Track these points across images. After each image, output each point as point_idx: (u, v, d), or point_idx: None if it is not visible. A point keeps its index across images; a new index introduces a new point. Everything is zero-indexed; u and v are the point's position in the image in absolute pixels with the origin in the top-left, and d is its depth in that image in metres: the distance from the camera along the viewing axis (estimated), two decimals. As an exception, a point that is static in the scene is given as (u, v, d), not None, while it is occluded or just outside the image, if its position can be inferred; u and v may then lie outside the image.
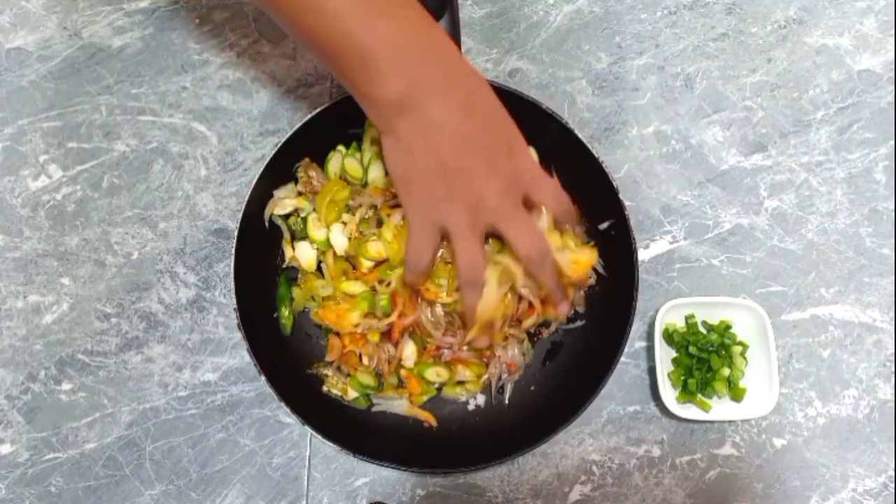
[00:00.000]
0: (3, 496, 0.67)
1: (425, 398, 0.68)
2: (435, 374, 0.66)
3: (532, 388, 0.69)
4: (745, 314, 0.70)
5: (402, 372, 0.67)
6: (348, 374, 0.67)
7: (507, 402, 0.69)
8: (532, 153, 0.60)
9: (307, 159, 0.68)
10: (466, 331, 0.61)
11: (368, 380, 0.66)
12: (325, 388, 0.67)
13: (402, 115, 0.51)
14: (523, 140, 0.55)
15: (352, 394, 0.67)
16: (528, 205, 0.56)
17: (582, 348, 0.69)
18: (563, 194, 0.58)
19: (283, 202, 0.67)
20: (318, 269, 0.68)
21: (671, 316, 0.70)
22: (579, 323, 0.69)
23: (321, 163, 0.68)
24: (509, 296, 0.60)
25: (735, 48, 0.78)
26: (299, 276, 0.68)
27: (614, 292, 0.67)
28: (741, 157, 0.75)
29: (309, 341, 0.69)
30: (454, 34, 0.66)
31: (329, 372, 0.67)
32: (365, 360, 0.66)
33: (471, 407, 0.69)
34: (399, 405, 0.68)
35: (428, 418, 0.68)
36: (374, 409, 0.68)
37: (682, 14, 0.78)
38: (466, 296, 0.57)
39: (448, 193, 0.52)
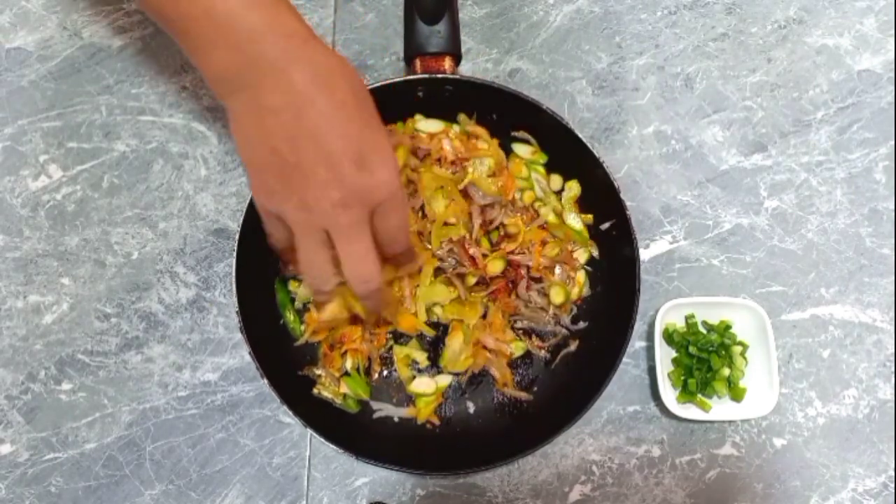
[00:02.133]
0: (3, 496, 0.67)
1: (431, 409, 0.68)
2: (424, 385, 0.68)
3: (534, 389, 0.69)
4: (745, 314, 0.70)
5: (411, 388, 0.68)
6: (343, 375, 0.67)
7: (507, 406, 0.69)
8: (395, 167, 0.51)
9: None
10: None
11: (358, 387, 0.67)
12: (315, 391, 0.67)
13: (234, 94, 0.47)
14: (385, 150, 0.49)
15: (342, 391, 0.67)
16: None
17: (584, 349, 0.69)
18: (404, 233, 0.52)
19: None
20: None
21: (671, 316, 0.70)
22: (582, 325, 0.69)
23: None
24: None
25: (735, 48, 0.78)
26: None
27: (616, 293, 0.67)
28: (741, 157, 0.75)
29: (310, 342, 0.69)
30: (454, 34, 0.66)
31: (321, 373, 0.67)
32: (349, 364, 0.67)
33: (472, 409, 0.69)
34: (402, 411, 0.68)
35: (431, 419, 0.68)
36: (376, 415, 0.68)
37: (682, 14, 0.78)
38: (315, 296, 0.58)
39: (282, 189, 0.48)
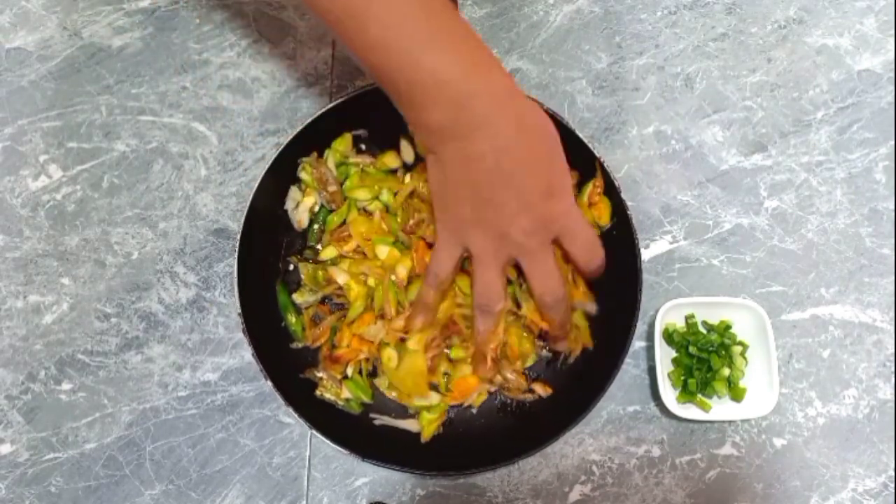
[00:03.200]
0: (3, 496, 0.67)
1: (436, 426, 0.67)
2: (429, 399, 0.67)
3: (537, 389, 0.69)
4: (745, 314, 0.70)
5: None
6: (343, 378, 0.67)
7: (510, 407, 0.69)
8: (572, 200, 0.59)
9: (310, 158, 0.68)
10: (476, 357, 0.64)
11: (359, 390, 0.66)
12: (318, 393, 0.67)
13: (444, 143, 0.53)
14: (567, 184, 0.56)
15: (345, 395, 0.67)
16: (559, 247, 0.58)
17: (584, 349, 0.69)
18: (596, 248, 0.59)
19: (300, 207, 0.69)
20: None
21: (671, 316, 0.70)
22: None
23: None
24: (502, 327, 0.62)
25: (735, 48, 0.78)
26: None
27: (617, 292, 0.66)
28: (741, 157, 0.75)
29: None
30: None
31: (323, 376, 0.67)
32: (350, 370, 0.67)
33: (474, 409, 0.69)
34: (402, 423, 0.68)
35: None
36: (377, 422, 0.68)
37: (682, 14, 0.78)
38: (477, 320, 0.60)
39: (476, 220, 0.55)
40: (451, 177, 0.54)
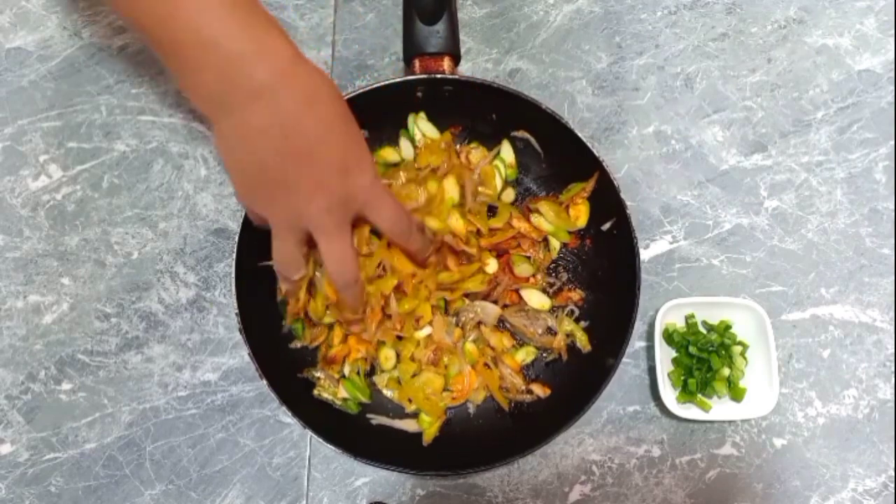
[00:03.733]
0: (3, 496, 0.67)
1: (437, 426, 0.67)
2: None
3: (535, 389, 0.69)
4: (745, 314, 0.70)
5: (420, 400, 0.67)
6: (340, 378, 0.67)
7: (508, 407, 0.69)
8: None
9: None
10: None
11: (357, 390, 0.66)
12: (315, 392, 0.67)
13: (222, 114, 0.48)
14: (366, 157, 0.53)
15: (342, 395, 0.67)
16: (362, 223, 0.56)
17: (584, 349, 0.69)
18: (403, 217, 0.56)
19: None
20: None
21: (671, 316, 0.70)
22: (583, 324, 0.69)
23: None
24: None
25: (735, 48, 0.78)
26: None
27: (616, 293, 0.67)
28: (741, 157, 0.75)
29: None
30: (453, 34, 0.66)
31: (321, 375, 0.67)
32: (346, 369, 0.67)
33: (473, 409, 0.69)
34: (401, 423, 0.68)
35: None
36: (375, 422, 0.67)
37: (682, 14, 0.78)
38: (281, 283, 0.60)
39: (267, 198, 0.51)
40: (235, 154, 0.50)
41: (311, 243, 0.55)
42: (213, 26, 0.45)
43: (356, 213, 0.54)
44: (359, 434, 0.66)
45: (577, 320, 0.69)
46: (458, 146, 0.71)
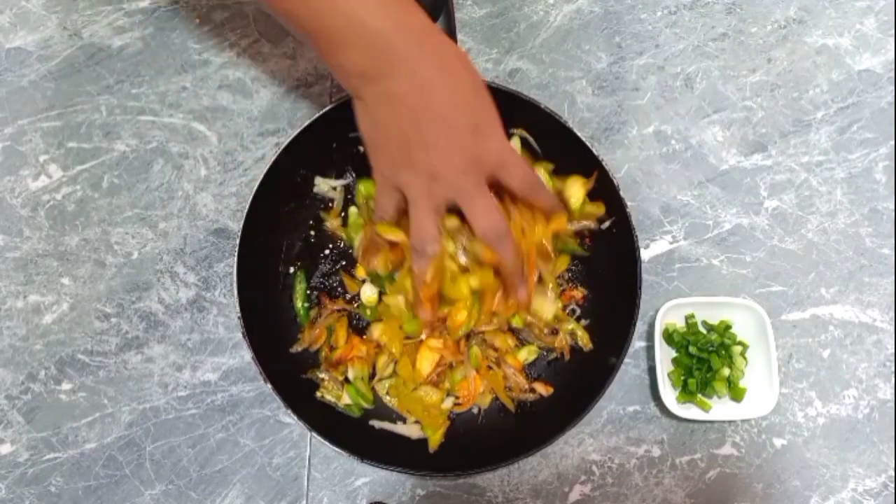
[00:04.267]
0: (3, 496, 0.67)
1: (441, 432, 0.67)
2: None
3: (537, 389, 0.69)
4: (745, 314, 0.70)
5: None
6: (344, 381, 0.67)
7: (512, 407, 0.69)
8: (510, 140, 0.60)
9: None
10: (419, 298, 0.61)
11: (360, 396, 0.67)
12: (318, 394, 0.67)
13: (366, 86, 0.53)
14: (496, 121, 0.56)
15: (345, 400, 0.67)
16: (497, 185, 0.57)
17: (586, 347, 0.69)
18: (533, 175, 0.58)
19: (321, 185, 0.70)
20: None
21: (671, 316, 0.70)
22: (583, 322, 0.69)
23: (320, 166, 0.69)
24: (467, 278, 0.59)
25: (735, 48, 0.78)
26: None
27: (616, 293, 0.67)
28: (741, 157, 0.75)
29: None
30: (450, 35, 0.66)
31: (325, 377, 0.67)
32: (351, 374, 0.67)
33: (476, 409, 0.69)
34: (404, 429, 0.68)
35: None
36: (377, 426, 0.68)
37: (682, 14, 0.78)
38: (414, 262, 0.58)
39: (406, 161, 0.54)
40: (378, 120, 0.54)
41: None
42: (359, 8, 0.50)
43: (490, 174, 0.55)
44: (362, 436, 0.66)
45: (577, 319, 0.70)
46: None
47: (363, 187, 0.67)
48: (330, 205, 0.71)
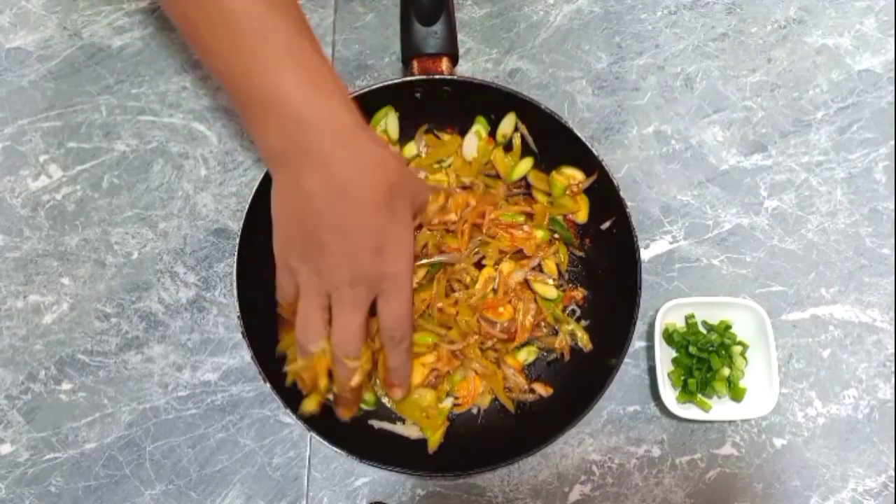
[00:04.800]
0: (3, 496, 0.67)
1: (440, 433, 0.67)
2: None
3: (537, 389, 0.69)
4: (745, 314, 0.70)
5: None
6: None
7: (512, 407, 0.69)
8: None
9: None
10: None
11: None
12: None
13: (280, 169, 0.51)
14: (406, 244, 0.53)
15: None
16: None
17: (585, 348, 0.69)
18: (405, 321, 0.55)
19: None
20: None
21: (671, 316, 0.70)
22: (583, 323, 0.69)
23: None
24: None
25: (735, 48, 0.78)
26: None
27: (616, 293, 0.67)
28: (741, 157, 0.75)
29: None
30: (451, 35, 0.66)
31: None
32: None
33: (475, 409, 0.69)
34: (403, 429, 0.68)
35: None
36: (377, 426, 0.67)
37: (682, 14, 0.78)
38: (299, 355, 0.57)
39: (301, 252, 0.52)
40: (284, 205, 0.52)
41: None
42: (283, 88, 0.48)
43: (376, 293, 0.53)
44: (362, 436, 0.66)
45: (577, 320, 0.69)
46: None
47: None
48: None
